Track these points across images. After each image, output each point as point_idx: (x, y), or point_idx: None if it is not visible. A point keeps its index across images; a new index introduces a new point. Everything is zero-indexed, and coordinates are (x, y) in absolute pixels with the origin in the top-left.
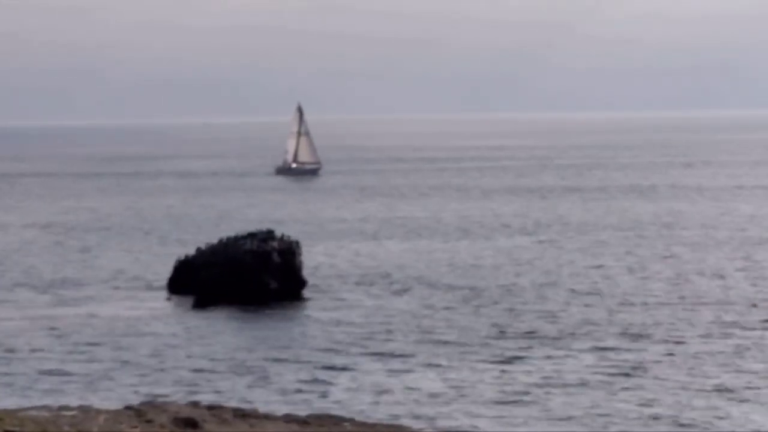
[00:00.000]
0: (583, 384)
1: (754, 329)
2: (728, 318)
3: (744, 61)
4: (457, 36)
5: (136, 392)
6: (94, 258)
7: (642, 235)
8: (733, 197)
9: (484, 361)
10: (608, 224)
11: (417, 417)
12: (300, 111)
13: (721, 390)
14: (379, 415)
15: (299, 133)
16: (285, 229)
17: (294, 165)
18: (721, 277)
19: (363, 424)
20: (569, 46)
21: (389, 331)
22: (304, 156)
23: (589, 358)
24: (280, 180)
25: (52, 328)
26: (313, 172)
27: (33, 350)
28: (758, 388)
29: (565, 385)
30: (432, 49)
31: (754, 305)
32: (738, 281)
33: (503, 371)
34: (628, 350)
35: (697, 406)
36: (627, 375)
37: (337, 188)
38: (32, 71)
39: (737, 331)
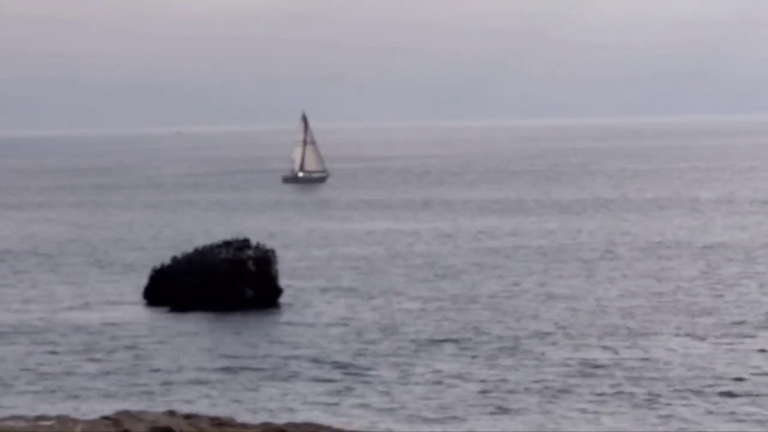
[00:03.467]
0: (564, 387)
1: (729, 334)
2: (703, 322)
3: (721, 67)
4: (429, 44)
5: (113, 401)
6: (66, 269)
7: (612, 246)
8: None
9: (463, 367)
10: (574, 232)
11: (397, 424)
12: (305, 120)
13: (701, 392)
14: (358, 423)
15: (305, 142)
16: (261, 238)
17: (301, 174)
18: (690, 283)
19: None
20: (543, 54)
21: (366, 340)
22: (311, 164)
23: (566, 361)
24: (286, 188)
25: (27, 339)
26: (321, 180)
27: (7, 361)
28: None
29: (546, 388)
30: (403, 57)
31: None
32: (705, 288)
33: (480, 377)
34: (611, 351)
35: (686, 409)
36: (612, 377)
37: (322, 198)
38: (3, 80)
39: (716, 334)
